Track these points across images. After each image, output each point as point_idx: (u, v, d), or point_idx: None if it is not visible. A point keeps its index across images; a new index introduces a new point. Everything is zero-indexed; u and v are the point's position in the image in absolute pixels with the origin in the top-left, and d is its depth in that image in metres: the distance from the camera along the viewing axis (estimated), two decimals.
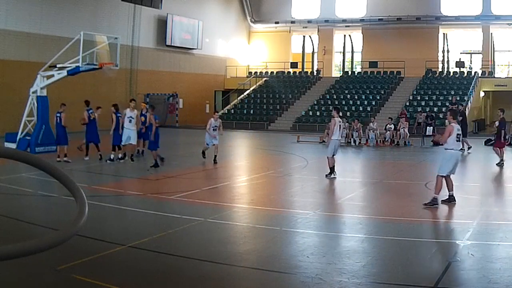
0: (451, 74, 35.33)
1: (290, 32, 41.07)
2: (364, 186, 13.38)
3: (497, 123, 17.44)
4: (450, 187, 10.17)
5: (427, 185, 12.64)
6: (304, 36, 41.98)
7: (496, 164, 16.27)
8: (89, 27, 24.12)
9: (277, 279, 6.32)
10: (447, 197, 10.15)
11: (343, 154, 21.92)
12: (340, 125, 13.78)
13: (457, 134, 10.17)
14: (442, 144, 10.60)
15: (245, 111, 35.30)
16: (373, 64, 36.57)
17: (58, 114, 16.39)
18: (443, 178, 10.07)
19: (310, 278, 6.02)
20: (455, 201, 10.13)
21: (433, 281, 5.89)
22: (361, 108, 32.60)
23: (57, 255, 5.97)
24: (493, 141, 18.48)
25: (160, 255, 7.07)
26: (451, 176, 10.25)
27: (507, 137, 23.04)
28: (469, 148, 19.80)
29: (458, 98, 30.54)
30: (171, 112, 34.94)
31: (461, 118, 20.08)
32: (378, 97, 33.55)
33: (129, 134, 16.07)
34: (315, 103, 34.38)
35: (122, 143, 16.17)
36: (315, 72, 39.44)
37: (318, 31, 39.74)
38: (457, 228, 8.33)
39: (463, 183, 13.92)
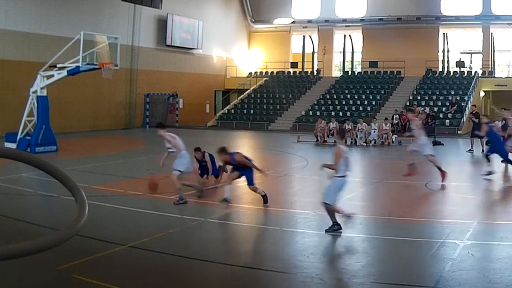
0: (451, 74, 35.31)
1: (290, 32, 41.06)
2: (364, 186, 13.37)
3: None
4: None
5: (427, 185, 12.65)
6: (304, 36, 41.96)
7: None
8: (89, 27, 24.10)
9: (277, 279, 6.32)
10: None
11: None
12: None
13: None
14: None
15: (245, 111, 35.28)
16: (373, 64, 36.55)
17: None
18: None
19: (310, 278, 6.02)
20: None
21: (433, 281, 5.89)
22: (361, 108, 32.57)
23: (57, 255, 5.98)
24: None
25: (160, 255, 7.07)
26: None
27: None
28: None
29: (458, 98, 30.61)
30: (171, 112, 34.94)
31: (477, 120, 20.12)
32: (378, 97, 33.53)
33: None
34: (315, 103, 34.35)
35: None
36: (315, 72, 39.41)
37: (318, 31, 39.69)
38: (457, 228, 8.32)
39: (463, 183, 13.93)
